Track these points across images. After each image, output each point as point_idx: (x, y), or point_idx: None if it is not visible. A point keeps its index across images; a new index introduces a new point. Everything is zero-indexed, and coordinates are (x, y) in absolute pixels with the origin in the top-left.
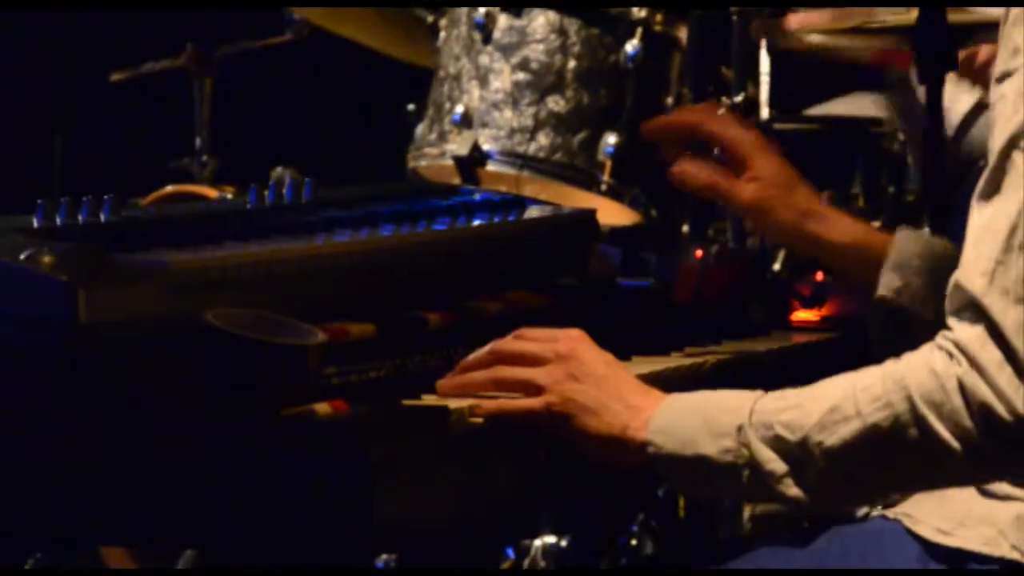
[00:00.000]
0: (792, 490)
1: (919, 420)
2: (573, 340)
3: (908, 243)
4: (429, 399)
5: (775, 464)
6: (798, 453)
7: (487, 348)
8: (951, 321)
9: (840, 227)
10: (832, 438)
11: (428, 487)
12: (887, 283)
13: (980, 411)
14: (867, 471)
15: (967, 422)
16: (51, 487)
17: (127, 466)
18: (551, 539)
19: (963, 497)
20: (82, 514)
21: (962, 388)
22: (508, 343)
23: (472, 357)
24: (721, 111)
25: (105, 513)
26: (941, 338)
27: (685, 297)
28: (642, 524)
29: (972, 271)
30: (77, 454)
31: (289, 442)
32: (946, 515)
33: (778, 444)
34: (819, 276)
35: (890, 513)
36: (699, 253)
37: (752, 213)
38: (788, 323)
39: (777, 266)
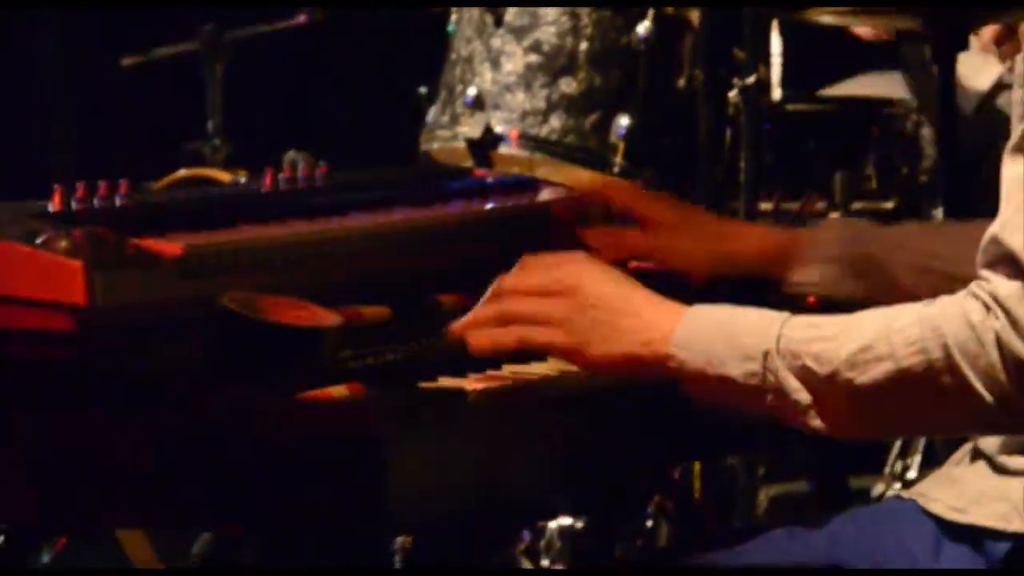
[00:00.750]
0: (815, 421)
1: (953, 369)
2: (577, 266)
3: (822, 232)
4: (445, 381)
5: (801, 394)
6: (826, 387)
7: (493, 286)
8: (986, 272)
9: (753, 237)
10: (862, 377)
11: (444, 469)
12: (801, 274)
13: (1016, 366)
14: (894, 412)
15: (1002, 376)
16: (67, 471)
17: (142, 450)
18: (567, 521)
19: (977, 476)
20: (98, 497)
21: (999, 342)
22: (512, 279)
23: (485, 297)
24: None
25: (121, 496)
26: (977, 287)
27: (700, 278)
28: (658, 506)
29: (1011, 226)
30: (93, 438)
31: (305, 425)
32: (961, 494)
33: (805, 375)
34: None
35: (905, 493)
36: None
37: (668, 258)
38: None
39: None
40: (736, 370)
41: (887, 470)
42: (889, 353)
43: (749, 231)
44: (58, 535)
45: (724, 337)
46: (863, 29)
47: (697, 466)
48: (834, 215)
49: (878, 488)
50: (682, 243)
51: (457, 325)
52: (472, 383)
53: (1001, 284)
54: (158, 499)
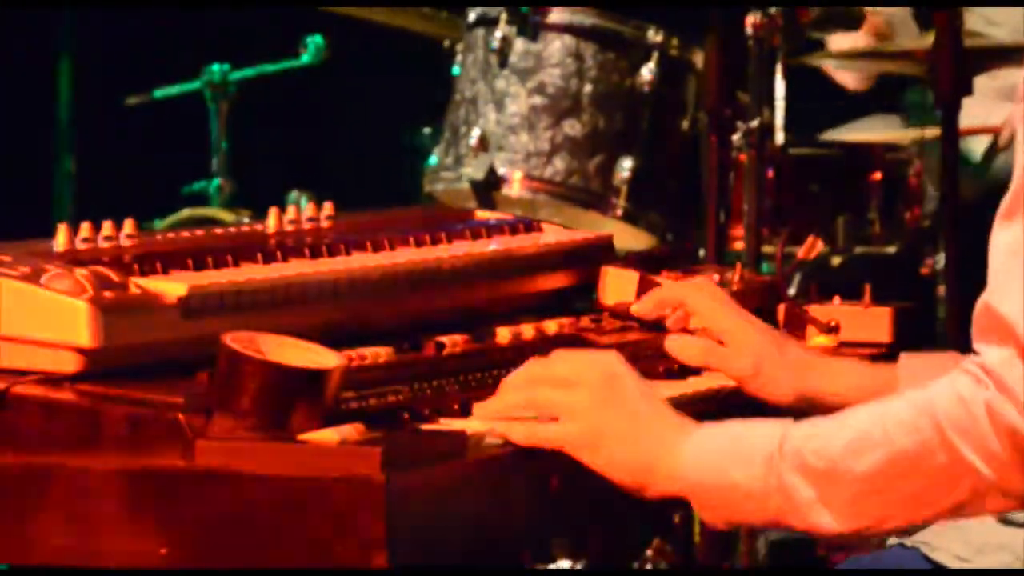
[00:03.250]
0: (822, 518)
1: (947, 445)
2: (611, 365)
3: (912, 369)
4: (447, 423)
5: (804, 491)
6: (826, 480)
7: (524, 370)
8: (978, 346)
9: (840, 372)
10: (860, 464)
11: (444, 512)
12: None
13: (1008, 434)
14: (895, 498)
15: (996, 446)
16: (66, 510)
17: (144, 491)
18: (566, 564)
19: (981, 526)
20: (99, 539)
21: (990, 412)
22: (546, 365)
23: (509, 379)
24: (698, 280)
25: (122, 539)
26: (968, 363)
27: (700, 323)
28: (657, 550)
29: (1001, 292)
30: (94, 479)
31: (307, 467)
32: (965, 543)
33: (806, 471)
34: (836, 301)
35: (908, 541)
36: (715, 278)
37: (749, 384)
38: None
39: (793, 290)
40: (740, 475)
41: None
42: (883, 438)
43: (835, 365)
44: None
45: (730, 447)
46: (847, 78)
47: None
48: (836, 259)
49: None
50: (767, 368)
51: (482, 408)
52: (474, 426)
53: (991, 353)
54: (158, 540)
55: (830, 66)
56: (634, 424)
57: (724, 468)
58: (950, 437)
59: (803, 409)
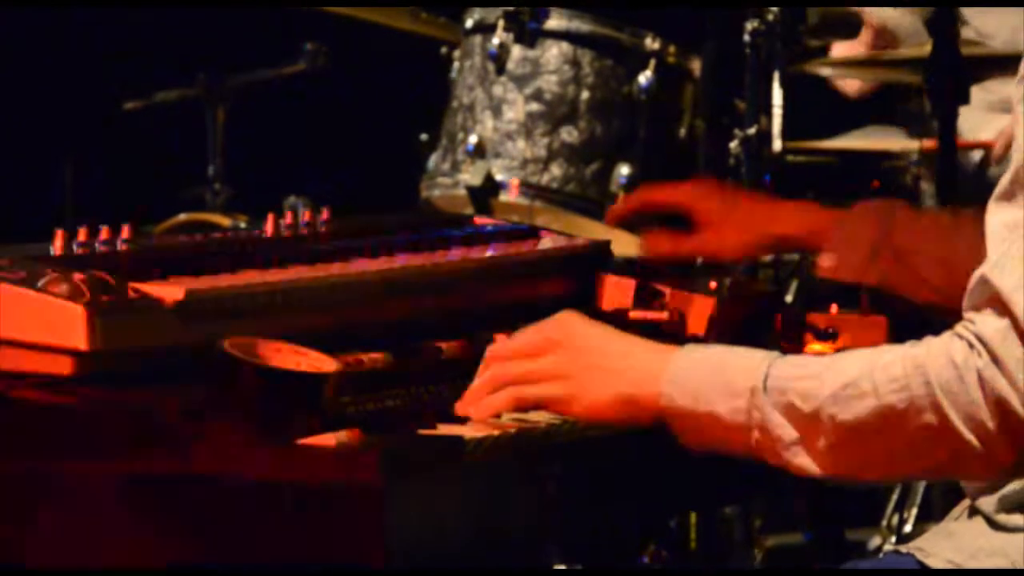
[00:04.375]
0: (799, 458)
1: (936, 407)
2: (563, 322)
3: (856, 215)
4: (444, 428)
5: (785, 430)
6: (809, 423)
7: (486, 355)
8: (971, 314)
9: (796, 218)
10: (845, 412)
11: (442, 517)
12: (828, 258)
13: (997, 405)
14: (877, 449)
15: (984, 415)
16: (64, 515)
17: (142, 496)
18: (562, 568)
19: (975, 532)
20: (96, 543)
21: (981, 381)
22: (500, 347)
23: (480, 377)
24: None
25: (120, 540)
26: (962, 327)
27: (699, 329)
28: (653, 554)
29: (999, 266)
30: (92, 483)
31: (305, 472)
32: (959, 549)
33: (790, 412)
34: (833, 309)
35: (903, 548)
36: (713, 285)
37: (720, 251)
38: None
39: (790, 298)
40: (723, 407)
41: (884, 523)
42: (872, 389)
43: (793, 211)
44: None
45: (712, 375)
46: (849, 84)
47: (693, 516)
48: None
49: (875, 541)
50: (731, 235)
51: (459, 405)
52: (471, 431)
53: (987, 324)
54: (156, 544)
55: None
56: (607, 360)
57: (706, 397)
58: (939, 399)
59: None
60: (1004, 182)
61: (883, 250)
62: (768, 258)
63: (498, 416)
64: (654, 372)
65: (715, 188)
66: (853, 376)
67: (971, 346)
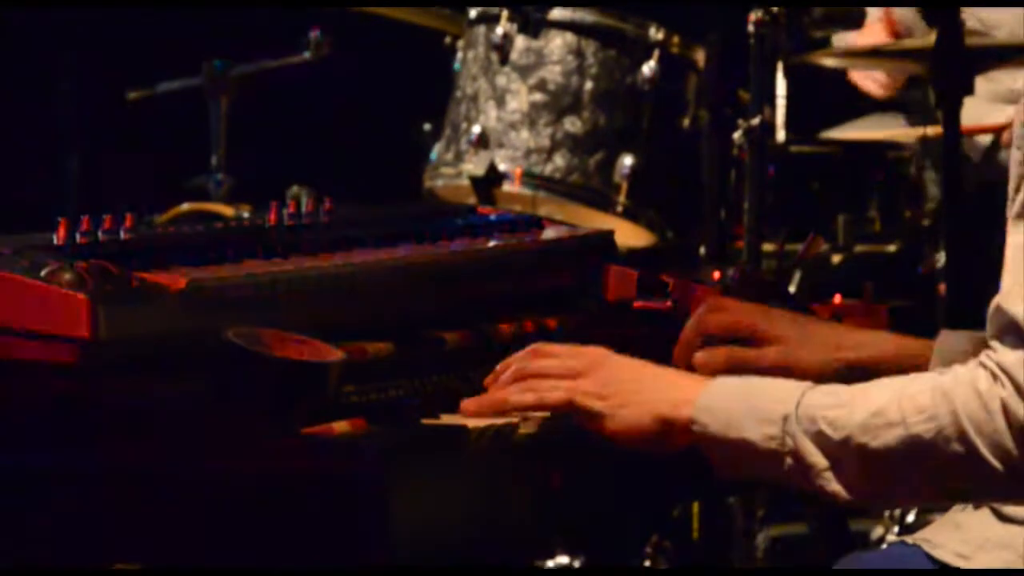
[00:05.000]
0: (831, 485)
1: (962, 437)
2: (600, 351)
3: (950, 345)
4: (448, 419)
5: (816, 458)
6: (839, 451)
7: (511, 370)
8: (994, 343)
9: (871, 346)
10: (875, 441)
11: (445, 507)
12: None
13: (1022, 433)
14: (906, 478)
15: (1009, 443)
16: (68, 504)
17: (146, 483)
18: (564, 559)
19: (982, 523)
20: (99, 532)
21: (1005, 410)
22: (533, 361)
23: (496, 378)
24: (710, 304)
25: (123, 531)
26: (985, 357)
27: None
28: (655, 546)
29: (1014, 295)
30: (95, 471)
31: (308, 460)
32: (965, 540)
33: (821, 440)
34: (837, 299)
35: (909, 539)
36: (716, 275)
37: (784, 371)
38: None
39: (794, 288)
40: (755, 433)
41: (887, 514)
42: (900, 419)
43: (866, 339)
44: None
45: (746, 402)
46: (871, 86)
47: (696, 506)
48: (837, 257)
49: (877, 531)
50: (800, 356)
51: (472, 404)
52: (474, 421)
53: (1007, 354)
54: (158, 533)
55: (855, 74)
56: (642, 385)
57: (739, 424)
58: (966, 429)
59: (841, 380)
60: (1018, 202)
61: None
62: (771, 248)
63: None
64: (687, 399)
65: (786, 313)
66: (881, 405)
67: (994, 376)
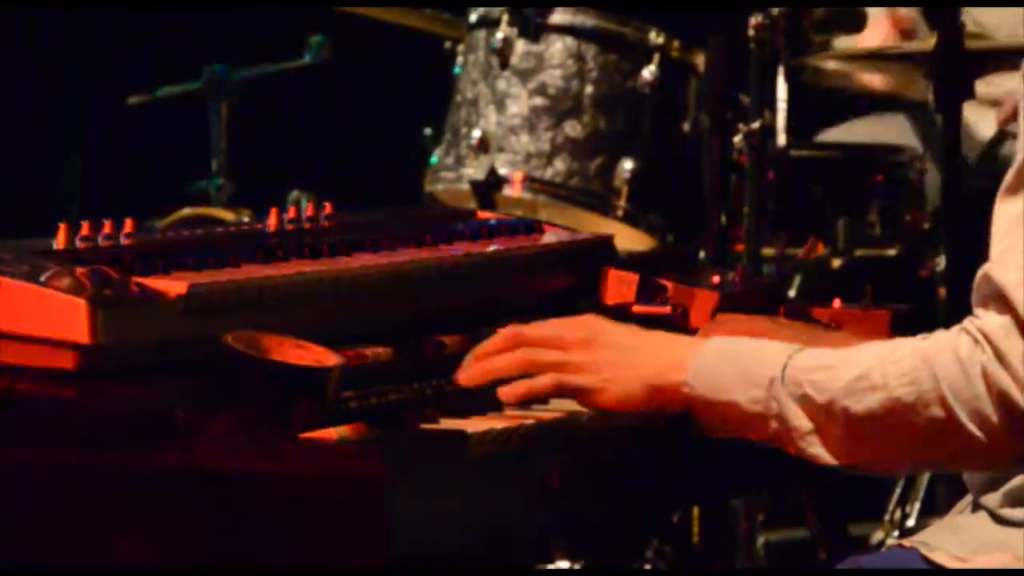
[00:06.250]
0: (815, 448)
1: (942, 401)
2: (592, 319)
3: None
4: (447, 423)
5: (801, 421)
6: (823, 414)
7: (503, 335)
8: (978, 310)
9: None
10: (857, 404)
11: (445, 511)
12: None
13: (1000, 399)
14: (887, 441)
15: (988, 409)
16: (68, 507)
17: (144, 489)
18: (565, 564)
19: (979, 526)
20: (98, 536)
21: (985, 376)
22: (529, 330)
23: (488, 344)
24: (718, 318)
25: (122, 535)
26: (968, 323)
27: (702, 324)
28: (656, 551)
29: (1001, 261)
30: (95, 476)
31: (307, 465)
32: (963, 543)
33: (805, 403)
34: (836, 303)
35: (907, 542)
36: (716, 279)
37: None
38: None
39: (793, 292)
40: (742, 396)
41: (887, 517)
42: (883, 383)
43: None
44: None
45: (734, 366)
46: (873, 79)
47: (696, 511)
48: (836, 262)
49: (877, 535)
50: None
51: (466, 374)
52: (474, 425)
53: (990, 319)
54: (157, 539)
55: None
56: (635, 353)
57: (728, 386)
58: (945, 393)
59: None
60: (1009, 176)
61: None
62: (771, 252)
63: (500, 403)
64: (680, 362)
65: (786, 323)
66: (865, 369)
67: (976, 341)
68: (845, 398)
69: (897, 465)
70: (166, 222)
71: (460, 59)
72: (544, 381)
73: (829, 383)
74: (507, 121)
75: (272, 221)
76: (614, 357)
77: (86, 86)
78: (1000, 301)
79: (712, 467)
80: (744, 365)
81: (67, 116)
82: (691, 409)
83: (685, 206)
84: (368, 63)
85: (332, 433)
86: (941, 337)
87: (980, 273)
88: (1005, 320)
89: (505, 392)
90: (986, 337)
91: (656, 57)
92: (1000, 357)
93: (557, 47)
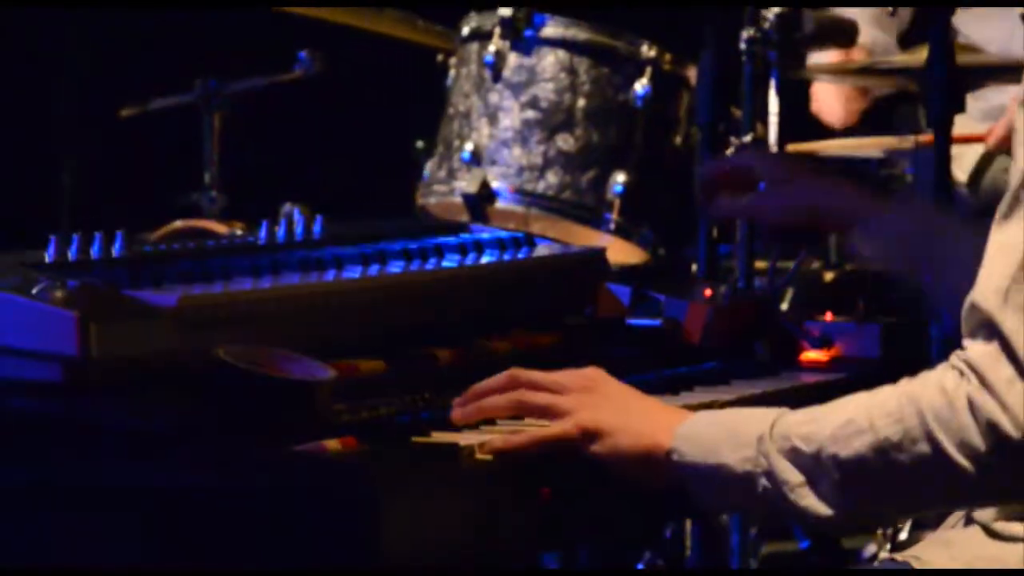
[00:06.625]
0: (806, 500)
1: (929, 436)
2: (593, 371)
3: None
4: (439, 436)
5: (790, 474)
6: (813, 464)
7: (504, 375)
8: (966, 342)
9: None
10: (845, 450)
11: (436, 525)
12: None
13: (988, 428)
14: (880, 484)
15: (975, 439)
16: (59, 523)
17: (135, 502)
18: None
19: (972, 541)
20: (89, 549)
21: (971, 405)
22: (528, 374)
23: (486, 384)
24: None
25: (112, 548)
26: (955, 357)
27: (694, 337)
28: (648, 564)
29: (987, 289)
30: (86, 490)
31: (299, 479)
32: (955, 558)
33: (794, 455)
34: (828, 317)
35: (900, 556)
36: (708, 292)
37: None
38: (797, 363)
39: (785, 306)
40: (731, 457)
41: (879, 531)
42: (869, 425)
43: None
44: None
45: (723, 428)
46: (832, 117)
47: (688, 524)
48: (829, 275)
49: (870, 549)
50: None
51: (461, 412)
52: (466, 438)
53: (976, 348)
54: (149, 553)
55: (817, 104)
56: (627, 416)
57: (716, 449)
58: (931, 427)
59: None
60: (1003, 204)
61: (921, 249)
62: (763, 265)
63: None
64: (668, 428)
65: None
66: (851, 414)
67: (961, 373)
68: (833, 445)
69: (890, 509)
70: (158, 235)
71: (452, 72)
72: (521, 438)
73: (816, 433)
74: (499, 134)
75: (264, 234)
76: (609, 409)
77: (78, 98)
78: (986, 328)
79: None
80: (732, 426)
81: (60, 128)
82: (681, 480)
83: (677, 219)
84: (360, 76)
85: (324, 446)
86: (928, 375)
87: (967, 302)
88: (991, 347)
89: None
90: (971, 367)
91: (648, 70)
92: (986, 384)
93: (549, 60)
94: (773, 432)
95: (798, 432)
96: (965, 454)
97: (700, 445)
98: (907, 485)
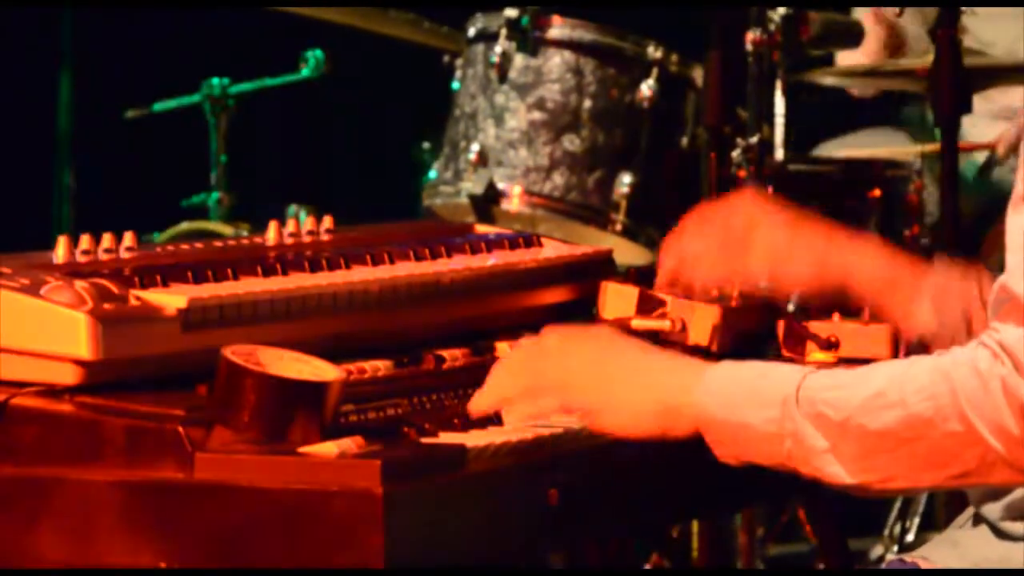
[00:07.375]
0: (831, 467)
1: (961, 415)
2: (602, 330)
3: (938, 285)
4: (446, 437)
5: (816, 440)
6: (839, 433)
7: (515, 352)
8: (996, 322)
9: (865, 271)
10: (874, 422)
11: (443, 526)
12: (924, 319)
13: (1021, 410)
14: (905, 458)
15: (1008, 421)
16: (68, 520)
17: (143, 504)
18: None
19: (979, 541)
20: (99, 550)
21: (1005, 388)
22: (536, 342)
23: (502, 363)
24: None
25: (120, 550)
26: (987, 336)
27: (701, 338)
28: (655, 565)
29: (1017, 273)
30: (94, 491)
31: (306, 480)
32: (963, 558)
33: (820, 421)
34: (835, 318)
35: (907, 557)
36: (715, 293)
37: (766, 275)
38: (804, 365)
39: (792, 306)
40: (755, 417)
41: (886, 532)
42: (900, 399)
43: (859, 263)
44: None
45: (746, 386)
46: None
47: (695, 525)
48: None
49: (877, 550)
50: (790, 270)
51: (477, 403)
52: (473, 439)
53: (1009, 332)
54: (156, 551)
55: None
56: (641, 372)
57: (740, 406)
58: (964, 407)
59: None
60: (1019, 186)
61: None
62: None
63: (500, 418)
64: (689, 384)
65: (786, 212)
66: (881, 386)
67: (995, 355)
68: (862, 416)
69: (913, 483)
70: (165, 236)
71: (458, 73)
72: (545, 405)
73: (845, 401)
74: (505, 135)
75: (271, 235)
76: (621, 375)
77: (84, 100)
78: (1017, 313)
79: (711, 481)
80: (756, 385)
81: (66, 129)
82: (701, 431)
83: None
84: (367, 77)
85: (331, 447)
86: (959, 352)
87: (996, 285)
88: (1023, 332)
89: (511, 419)
90: (1005, 350)
91: (654, 71)
92: (1020, 369)
93: (555, 61)
94: (799, 395)
95: (825, 398)
96: (996, 435)
97: (722, 401)
98: (932, 461)
